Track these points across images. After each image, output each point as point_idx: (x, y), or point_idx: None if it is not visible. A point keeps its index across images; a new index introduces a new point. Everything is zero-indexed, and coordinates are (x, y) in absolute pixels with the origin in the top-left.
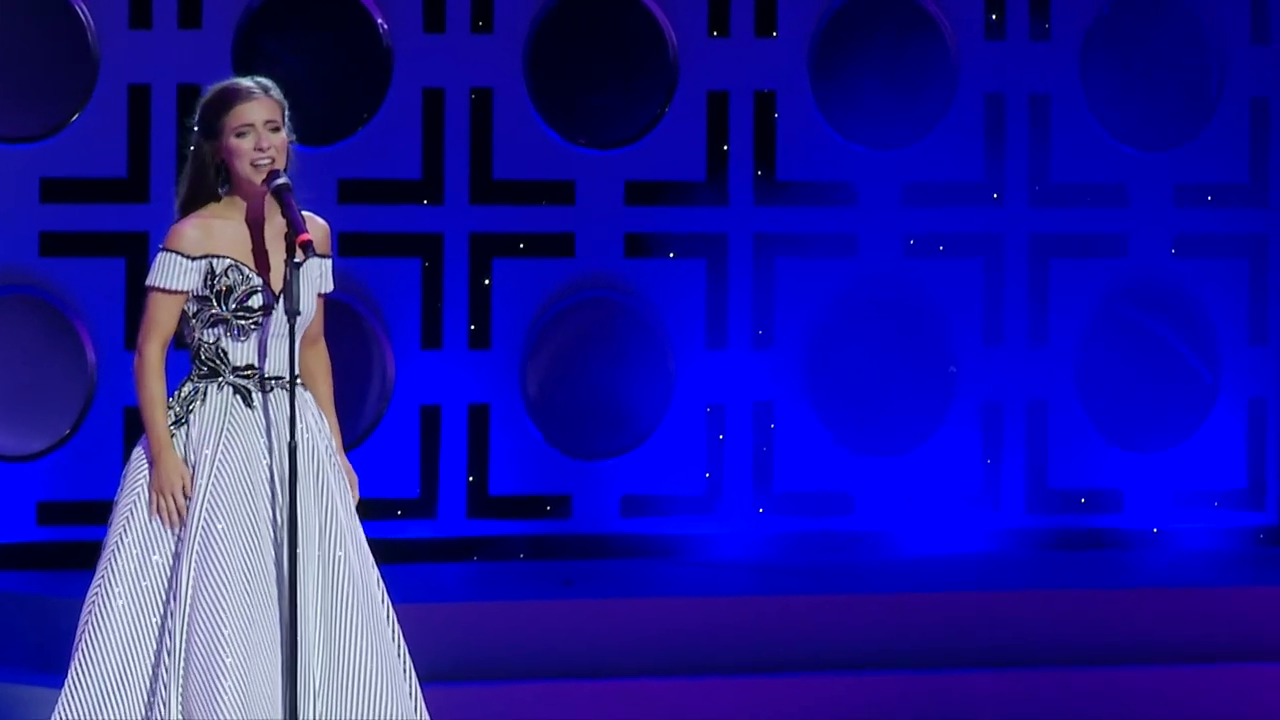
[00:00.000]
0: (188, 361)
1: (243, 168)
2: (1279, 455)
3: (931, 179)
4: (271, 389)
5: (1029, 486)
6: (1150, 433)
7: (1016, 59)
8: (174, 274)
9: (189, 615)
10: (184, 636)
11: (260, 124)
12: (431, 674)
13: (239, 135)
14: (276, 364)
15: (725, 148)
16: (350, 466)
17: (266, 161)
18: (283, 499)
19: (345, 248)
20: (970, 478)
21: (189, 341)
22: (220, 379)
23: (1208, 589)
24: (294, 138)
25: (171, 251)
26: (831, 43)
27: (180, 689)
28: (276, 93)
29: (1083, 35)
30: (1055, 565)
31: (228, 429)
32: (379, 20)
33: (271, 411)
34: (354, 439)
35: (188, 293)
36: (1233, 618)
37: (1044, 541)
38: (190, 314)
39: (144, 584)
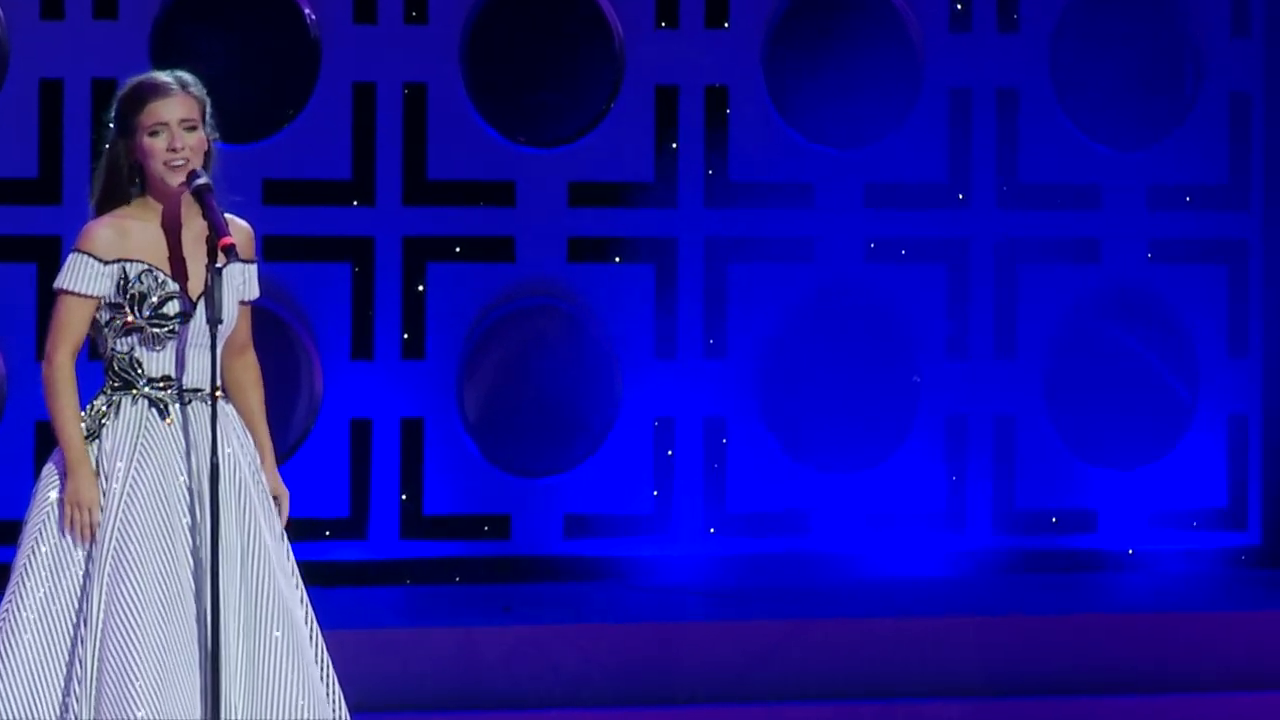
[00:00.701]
0: (100, 373)
1: (156, 168)
2: (1261, 473)
3: (893, 180)
4: (190, 402)
5: (996, 506)
6: (1125, 449)
7: (983, 52)
8: (85, 277)
9: (100, 643)
10: (95, 665)
11: (175, 123)
12: (361, 704)
13: (152, 134)
14: (196, 375)
15: (674, 146)
16: (281, 484)
17: (180, 163)
18: (203, 521)
19: (270, 252)
20: (934, 496)
21: (101, 351)
22: (134, 391)
23: (1186, 614)
24: (216, 136)
25: (83, 253)
26: (787, 34)
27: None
28: (197, 89)
29: (1053, 27)
30: (1024, 589)
31: (142, 445)
32: (306, 11)
33: (191, 426)
34: (279, 455)
35: (100, 298)
36: (1213, 644)
37: (1012, 564)
38: (103, 322)
39: (54, 609)
